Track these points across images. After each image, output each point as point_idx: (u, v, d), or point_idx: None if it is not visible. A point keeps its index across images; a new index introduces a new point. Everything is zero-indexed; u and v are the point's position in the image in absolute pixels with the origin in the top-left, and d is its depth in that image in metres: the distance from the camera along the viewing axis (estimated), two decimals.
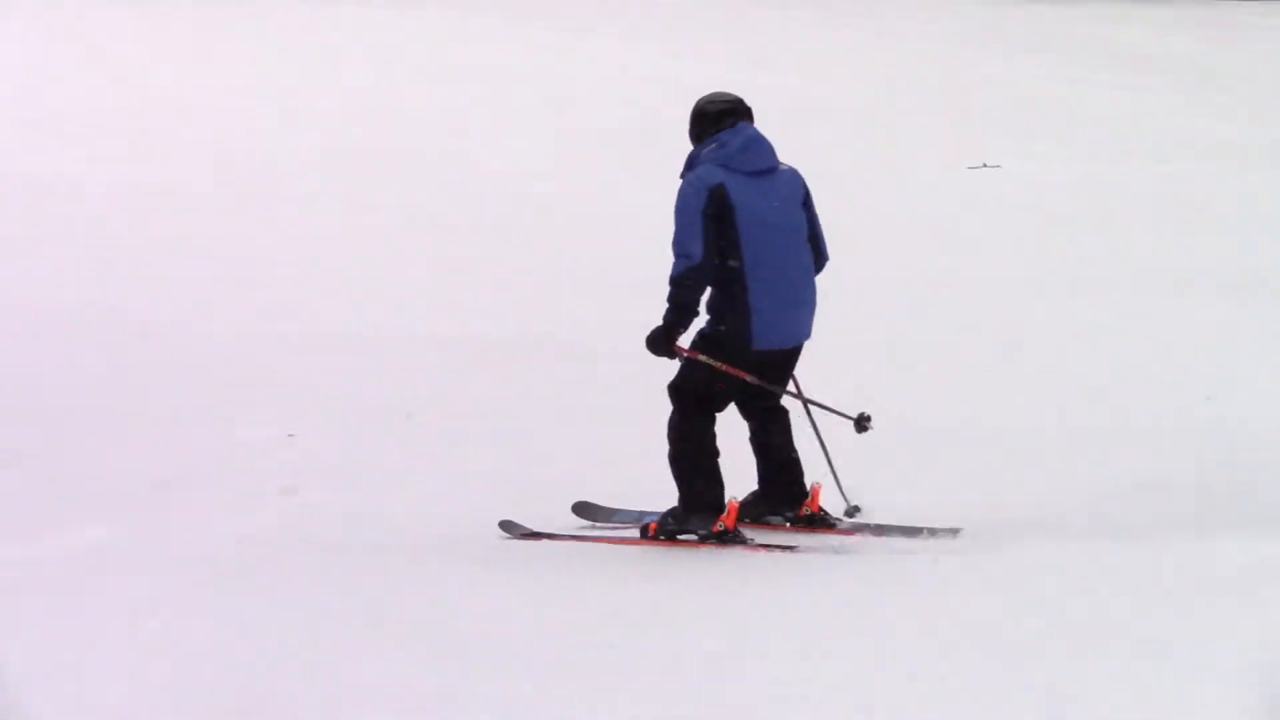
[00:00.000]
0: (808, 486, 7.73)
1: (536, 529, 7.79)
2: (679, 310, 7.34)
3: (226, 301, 13.15)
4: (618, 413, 9.96)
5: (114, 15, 26.69)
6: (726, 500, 7.52)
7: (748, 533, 7.59)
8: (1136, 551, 7.17)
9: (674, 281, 7.29)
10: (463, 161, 18.97)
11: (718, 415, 7.61)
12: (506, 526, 7.84)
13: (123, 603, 6.89)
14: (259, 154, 18.79)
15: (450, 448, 9.62)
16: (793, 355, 7.62)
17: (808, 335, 7.61)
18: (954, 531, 7.54)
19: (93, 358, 11.56)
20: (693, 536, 7.54)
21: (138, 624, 6.59)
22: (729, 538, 7.46)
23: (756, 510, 7.78)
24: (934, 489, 8.55)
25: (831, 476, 7.86)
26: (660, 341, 7.40)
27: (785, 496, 7.76)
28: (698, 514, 7.53)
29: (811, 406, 7.86)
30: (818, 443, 7.89)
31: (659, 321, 7.39)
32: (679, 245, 7.24)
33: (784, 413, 7.77)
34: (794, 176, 7.53)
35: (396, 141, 19.81)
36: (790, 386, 7.76)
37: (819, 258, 7.62)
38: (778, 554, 7.40)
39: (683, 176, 7.41)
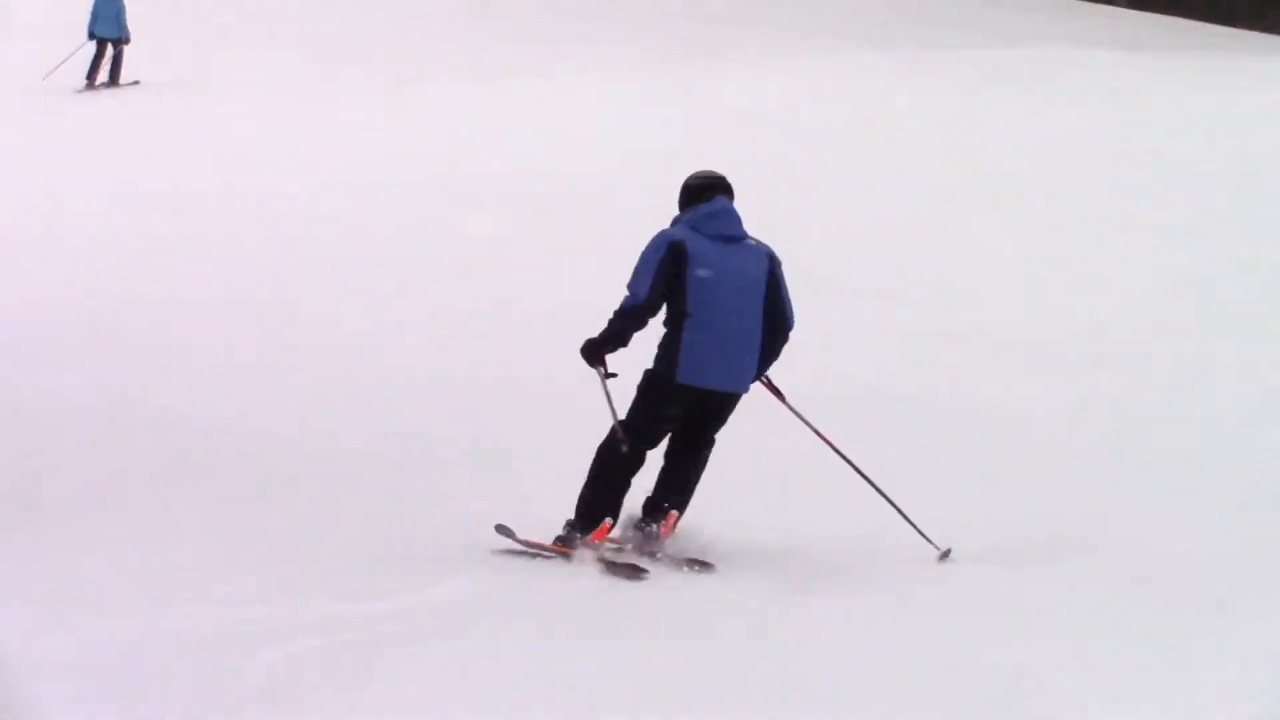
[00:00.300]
0: (677, 516, 8.46)
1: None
2: (612, 334, 8.34)
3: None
4: None
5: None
6: (605, 520, 8.35)
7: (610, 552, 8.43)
8: None
9: (618, 312, 8.31)
10: None
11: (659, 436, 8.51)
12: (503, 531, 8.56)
13: (488, 651, 7.27)
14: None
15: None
16: (724, 400, 8.37)
17: (740, 387, 8.38)
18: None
19: (486, 410, 12.05)
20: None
21: (505, 670, 6.95)
22: (576, 545, 8.43)
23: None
24: None
25: (908, 523, 8.94)
26: (590, 351, 8.45)
27: (651, 505, 8.49)
28: (581, 520, 8.40)
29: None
30: (877, 493, 9.03)
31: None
32: (631, 284, 8.26)
33: (707, 451, 8.53)
34: (760, 250, 8.38)
35: None
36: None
37: (780, 327, 8.43)
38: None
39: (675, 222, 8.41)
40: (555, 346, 10.53)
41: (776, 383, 8.88)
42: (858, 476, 9.04)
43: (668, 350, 8.27)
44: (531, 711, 6.61)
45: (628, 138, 22.83)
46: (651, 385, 8.37)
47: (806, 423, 8.83)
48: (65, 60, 26.68)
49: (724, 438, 8.70)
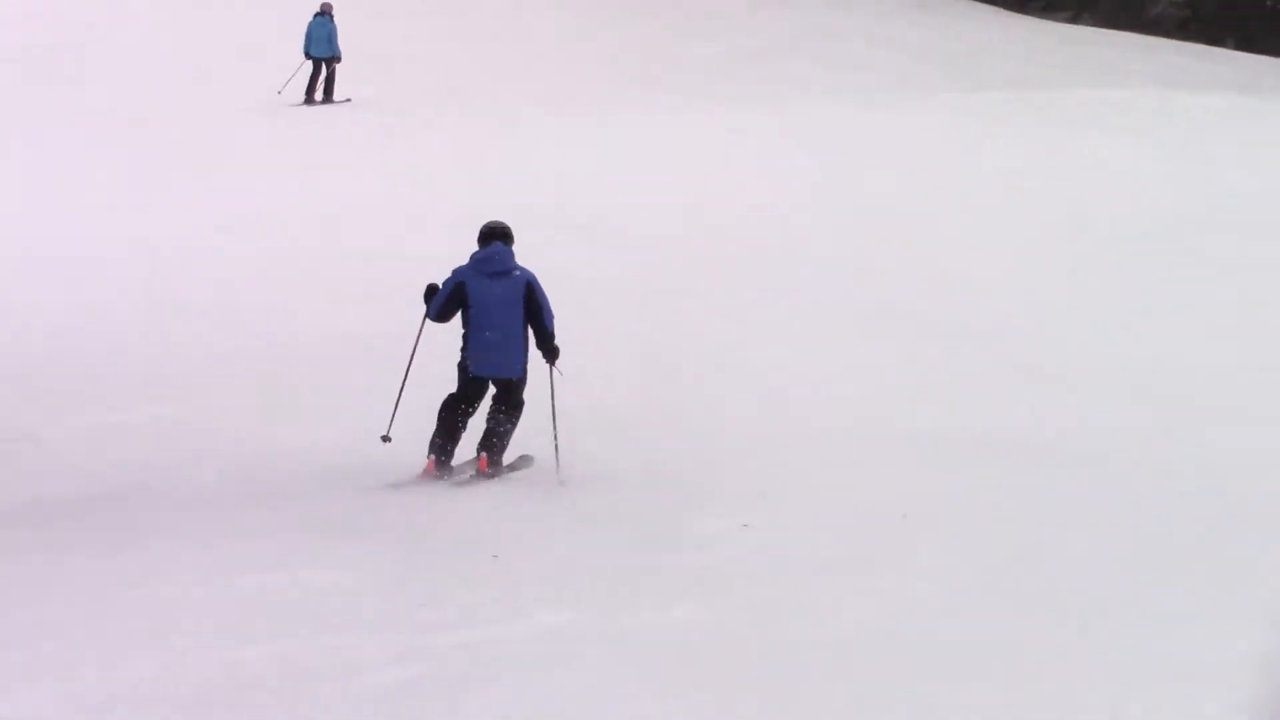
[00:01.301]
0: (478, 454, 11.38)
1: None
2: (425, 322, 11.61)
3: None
4: None
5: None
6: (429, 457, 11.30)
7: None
8: None
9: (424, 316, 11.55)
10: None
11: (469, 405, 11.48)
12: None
13: (580, 686, 7.02)
14: None
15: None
16: (503, 383, 11.43)
17: (510, 373, 11.40)
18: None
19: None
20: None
21: (594, 706, 6.72)
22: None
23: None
24: None
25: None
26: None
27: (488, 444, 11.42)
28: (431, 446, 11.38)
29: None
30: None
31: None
32: (432, 302, 11.44)
33: (512, 412, 11.44)
34: (520, 278, 11.32)
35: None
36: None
37: (539, 327, 11.36)
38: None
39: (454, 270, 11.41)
40: None
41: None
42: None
43: (463, 353, 11.43)
44: None
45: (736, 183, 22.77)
46: (462, 371, 11.49)
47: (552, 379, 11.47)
48: (290, 79, 29.31)
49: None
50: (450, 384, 11.45)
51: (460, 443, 11.40)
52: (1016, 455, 11.56)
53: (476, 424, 11.50)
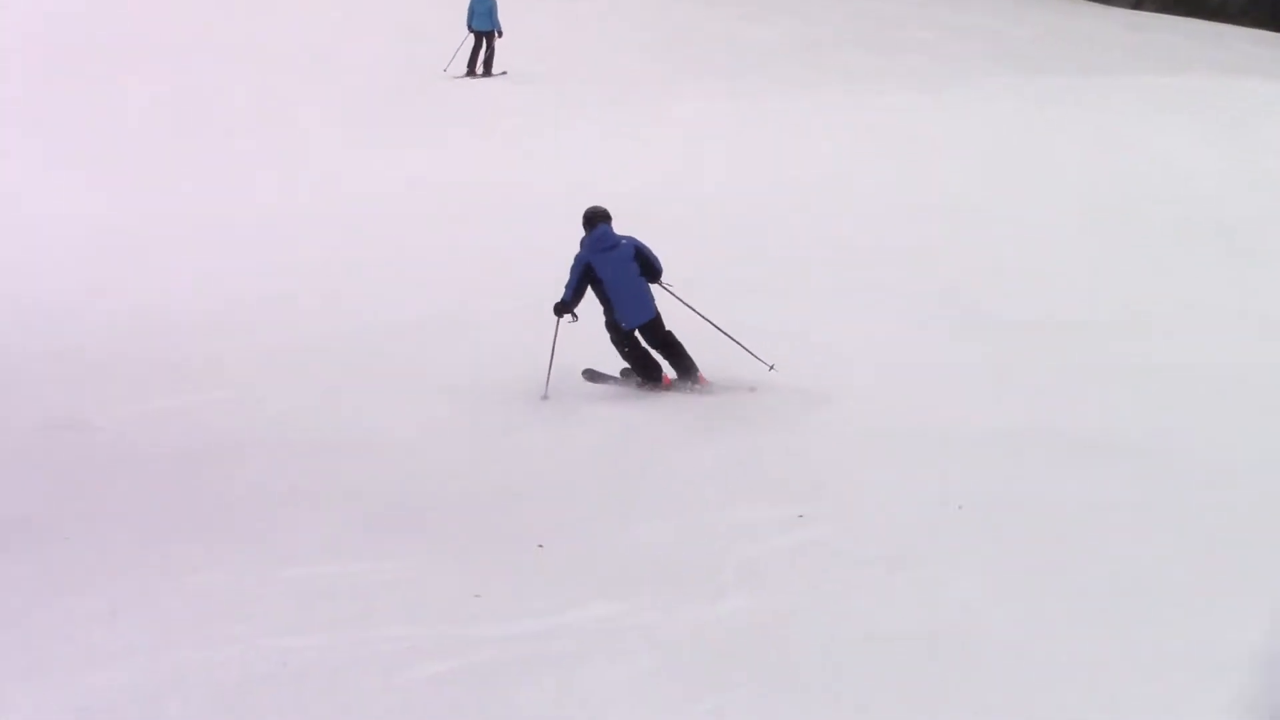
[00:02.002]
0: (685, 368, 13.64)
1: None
2: (562, 305, 13.45)
3: None
4: None
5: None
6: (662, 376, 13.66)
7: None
8: None
9: (560, 303, 13.49)
10: None
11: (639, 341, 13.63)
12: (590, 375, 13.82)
13: (627, 680, 7.00)
14: None
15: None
16: (650, 324, 13.56)
17: (651, 314, 13.53)
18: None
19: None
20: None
21: (642, 700, 6.69)
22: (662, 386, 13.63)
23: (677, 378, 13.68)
24: None
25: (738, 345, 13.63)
26: (556, 309, 13.54)
27: (680, 369, 13.60)
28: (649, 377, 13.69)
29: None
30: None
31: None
32: (568, 286, 13.52)
33: (672, 340, 13.61)
34: (628, 244, 13.55)
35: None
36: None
37: (653, 272, 13.60)
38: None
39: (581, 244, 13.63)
40: None
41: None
42: None
43: (608, 308, 13.54)
44: None
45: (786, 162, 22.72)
46: (614, 329, 13.66)
47: (674, 294, 13.77)
48: (456, 53, 30.63)
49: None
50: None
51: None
52: (1075, 451, 11.38)
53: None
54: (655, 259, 13.66)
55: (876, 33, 36.33)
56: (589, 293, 13.53)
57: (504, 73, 30.53)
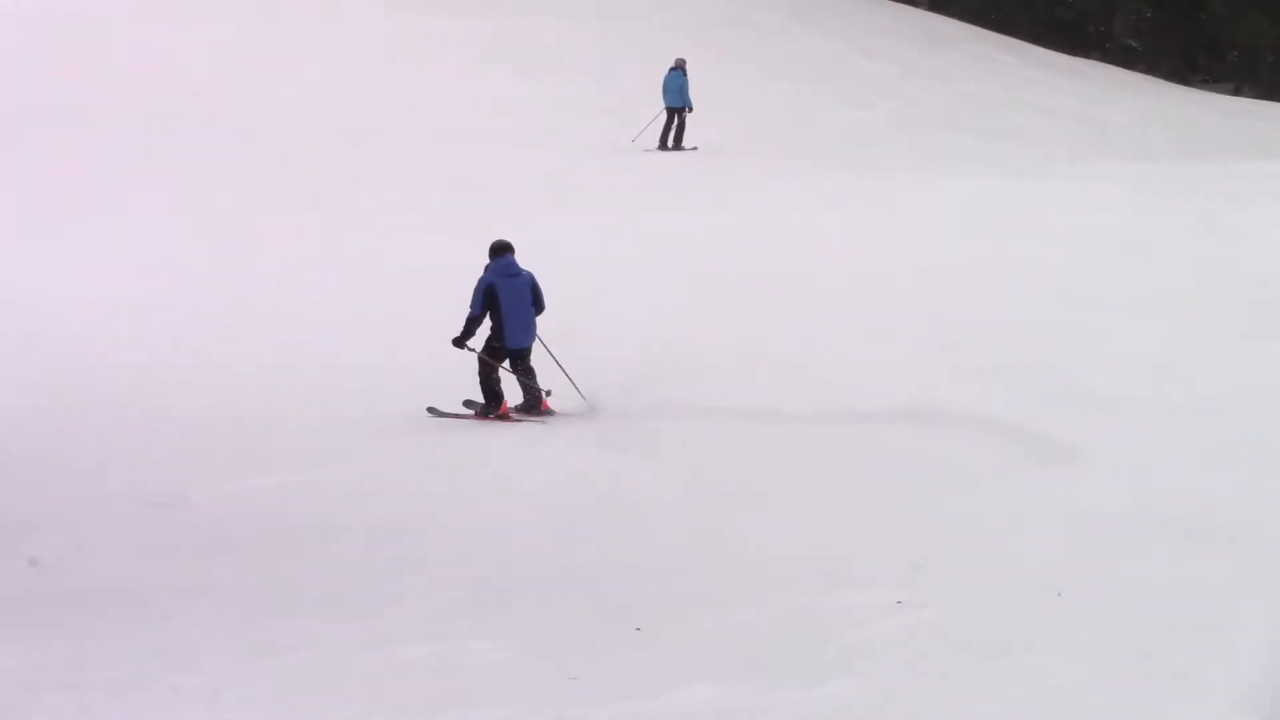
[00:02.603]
0: (543, 396, 15.60)
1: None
2: (466, 331, 15.46)
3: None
4: None
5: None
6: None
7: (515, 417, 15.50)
8: None
9: (468, 320, 15.52)
10: None
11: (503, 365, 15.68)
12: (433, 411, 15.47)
13: None
14: None
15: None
16: (525, 351, 15.69)
17: (531, 340, 15.71)
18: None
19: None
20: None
21: None
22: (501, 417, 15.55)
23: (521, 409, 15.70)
24: None
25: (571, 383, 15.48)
26: (457, 341, 15.52)
27: (526, 402, 15.66)
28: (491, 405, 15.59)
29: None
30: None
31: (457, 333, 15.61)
32: (471, 305, 15.55)
33: (531, 370, 15.71)
34: (528, 275, 15.73)
35: None
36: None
37: (539, 306, 15.74)
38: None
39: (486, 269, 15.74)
40: None
41: None
42: None
43: (496, 331, 15.57)
44: None
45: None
46: (493, 352, 15.67)
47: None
48: (646, 127, 31.93)
49: None
50: None
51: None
52: (1182, 534, 11.24)
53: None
54: (542, 296, 15.76)
55: (973, 116, 36.26)
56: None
57: (694, 148, 31.59)
